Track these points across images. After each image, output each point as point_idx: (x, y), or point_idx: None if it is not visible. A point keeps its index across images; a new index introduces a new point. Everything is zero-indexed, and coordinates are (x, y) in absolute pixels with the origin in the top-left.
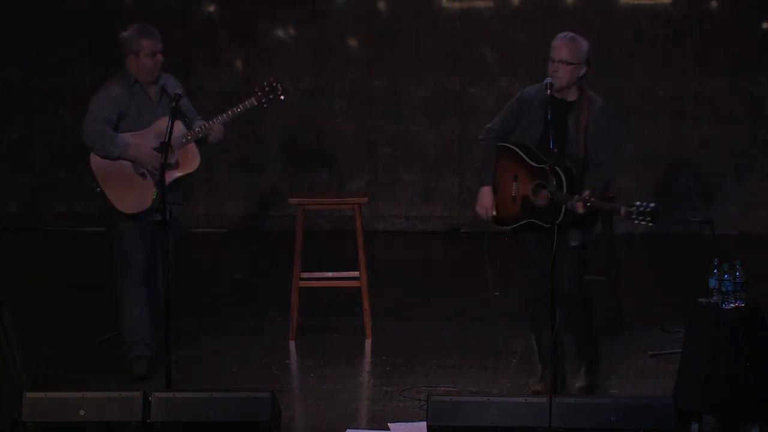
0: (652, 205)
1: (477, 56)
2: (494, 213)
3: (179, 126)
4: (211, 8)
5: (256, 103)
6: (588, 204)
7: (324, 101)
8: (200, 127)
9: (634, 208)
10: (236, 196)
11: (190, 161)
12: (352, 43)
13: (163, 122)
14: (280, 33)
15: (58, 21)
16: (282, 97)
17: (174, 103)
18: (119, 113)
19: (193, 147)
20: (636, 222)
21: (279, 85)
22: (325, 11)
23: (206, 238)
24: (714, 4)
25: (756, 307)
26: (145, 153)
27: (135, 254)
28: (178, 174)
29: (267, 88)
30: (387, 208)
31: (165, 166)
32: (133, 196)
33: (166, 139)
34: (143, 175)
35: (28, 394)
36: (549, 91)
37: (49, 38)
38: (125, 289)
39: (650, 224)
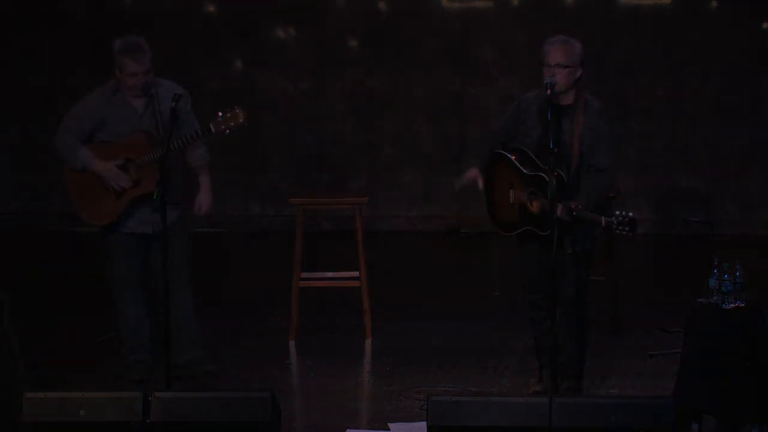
0: (630, 214)
1: (477, 56)
2: (481, 187)
3: (144, 144)
4: (211, 8)
5: (213, 131)
6: (573, 213)
7: (324, 101)
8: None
9: (614, 218)
10: (236, 196)
11: (149, 181)
12: (352, 43)
13: (135, 137)
14: (280, 33)
15: (58, 21)
16: (244, 124)
17: (174, 103)
18: (96, 123)
19: (152, 167)
20: (617, 231)
21: (239, 112)
22: (325, 11)
23: (206, 238)
24: (714, 4)
25: (756, 307)
26: (107, 169)
27: (124, 263)
28: (137, 193)
29: (228, 114)
30: (387, 208)
31: (165, 166)
32: (93, 206)
33: (167, 140)
34: (107, 189)
35: (28, 394)
36: (549, 92)
37: (49, 38)
38: (120, 297)
39: (630, 233)
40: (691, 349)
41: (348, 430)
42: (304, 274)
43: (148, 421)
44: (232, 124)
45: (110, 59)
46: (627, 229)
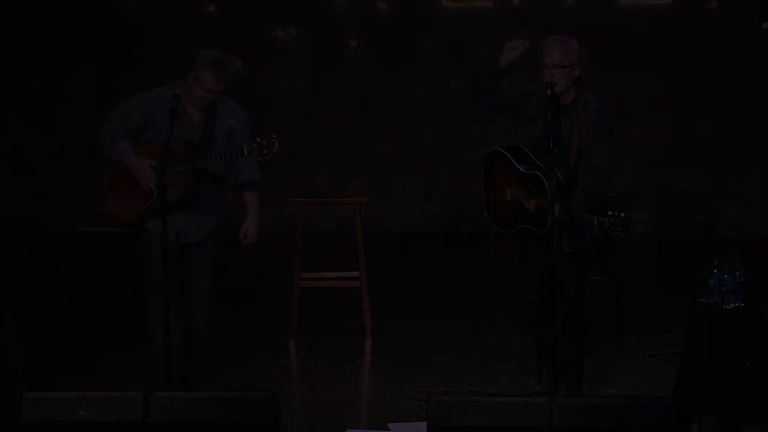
0: (623, 215)
1: (477, 56)
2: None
3: (181, 153)
4: (211, 8)
5: (246, 154)
6: (568, 212)
7: (324, 101)
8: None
9: (606, 218)
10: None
11: (176, 191)
12: (352, 43)
13: (174, 145)
14: (280, 33)
15: (58, 21)
16: (275, 153)
17: (174, 104)
18: (144, 122)
19: (181, 177)
20: (609, 232)
21: (275, 142)
22: (325, 11)
23: None
24: (714, 4)
25: (756, 307)
26: (140, 166)
27: (153, 269)
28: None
29: (264, 142)
30: (387, 208)
31: (165, 166)
32: (120, 204)
33: (167, 139)
34: (137, 189)
35: (28, 394)
36: (549, 91)
37: (49, 38)
38: (148, 302)
39: (622, 234)
40: (691, 349)
41: (348, 430)
42: (304, 274)
43: (148, 421)
44: (265, 152)
45: (110, 59)
46: (619, 229)
